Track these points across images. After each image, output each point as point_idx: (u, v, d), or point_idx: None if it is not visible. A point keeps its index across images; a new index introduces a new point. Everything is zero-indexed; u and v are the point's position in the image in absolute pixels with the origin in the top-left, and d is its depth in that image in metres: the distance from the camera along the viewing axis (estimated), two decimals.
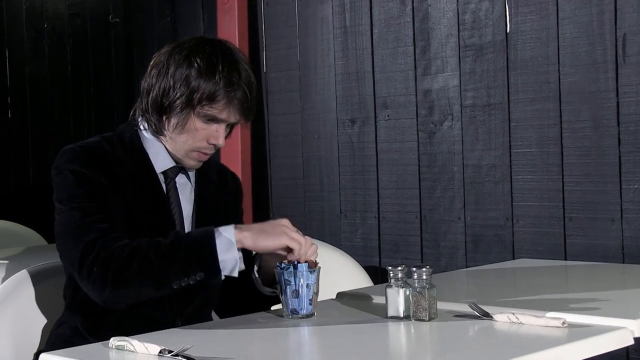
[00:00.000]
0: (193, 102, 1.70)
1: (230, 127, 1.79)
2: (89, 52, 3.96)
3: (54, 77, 4.11)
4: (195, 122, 1.72)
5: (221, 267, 1.61)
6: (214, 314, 1.93)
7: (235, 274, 1.64)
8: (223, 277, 1.64)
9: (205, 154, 1.77)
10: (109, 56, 3.87)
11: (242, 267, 1.65)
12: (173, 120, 1.73)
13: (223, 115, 1.72)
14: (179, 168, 1.82)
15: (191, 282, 1.62)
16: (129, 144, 1.78)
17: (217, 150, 1.82)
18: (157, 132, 1.77)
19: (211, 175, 1.87)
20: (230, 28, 3.29)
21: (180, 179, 1.82)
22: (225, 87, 1.69)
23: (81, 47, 4.00)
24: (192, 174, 1.85)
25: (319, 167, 3.15)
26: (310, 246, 1.66)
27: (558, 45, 2.57)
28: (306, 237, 1.67)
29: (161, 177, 1.80)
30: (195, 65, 1.69)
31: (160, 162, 1.79)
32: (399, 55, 2.93)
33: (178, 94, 1.70)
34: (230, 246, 1.61)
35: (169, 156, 1.79)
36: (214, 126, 1.73)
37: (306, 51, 3.18)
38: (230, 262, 1.62)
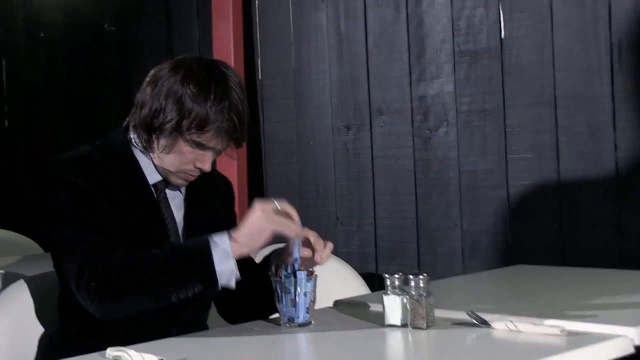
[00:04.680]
0: (182, 127, 1.70)
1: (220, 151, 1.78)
2: (84, 60, 3.96)
3: (49, 86, 4.10)
4: (183, 146, 1.72)
5: (218, 277, 1.61)
6: (213, 318, 1.93)
7: (232, 284, 1.63)
8: (220, 288, 1.64)
9: (192, 175, 1.78)
10: (104, 64, 3.87)
11: (239, 276, 1.64)
12: (161, 142, 1.73)
13: (211, 144, 1.73)
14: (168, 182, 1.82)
15: (189, 294, 1.62)
16: (120, 153, 1.78)
17: None
18: (146, 148, 1.77)
19: (201, 182, 1.86)
20: (225, 35, 3.28)
21: (170, 190, 1.82)
22: (215, 117, 1.69)
23: (76, 55, 3.99)
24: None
25: (314, 174, 3.14)
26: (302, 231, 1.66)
27: (553, 51, 2.57)
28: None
29: (152, 189, 1.79)
30: (188, 91, 1.69)
31: (150, 174, 1.79)
32: (393, 61, 2.93)
33: (168, 117, 1.70)
34: (226, 257, 1.61)
35: (157, 171, 1.79)
36: (202, 152, 1.74)
37: (301, 58, 3.18)
38: (226, 272, 1.61)
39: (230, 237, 1.62)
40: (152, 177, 1.79)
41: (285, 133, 3.22)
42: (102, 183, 1.72)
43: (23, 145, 4.20)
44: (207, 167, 1.75)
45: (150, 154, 1.78)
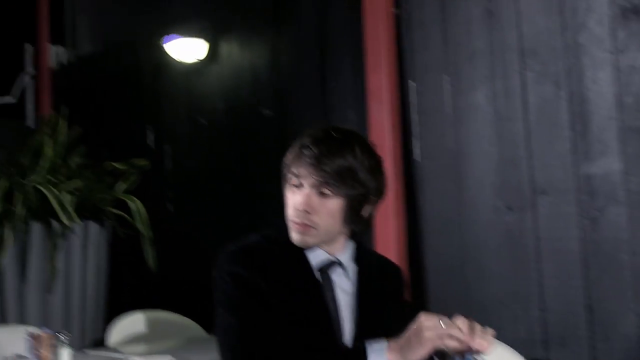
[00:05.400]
0: (284, 170, 1.78)
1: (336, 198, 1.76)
2: (244, 144, 4.07)
3: (211, 171, 4.24)
4: (287, 192, 1.77)
5: None
6: None
7: None
8: None
9: (296, 222, 1.76)
10: (263, 148, 3.97)
11: None
12: None
13: (299, 171, 1.74)
14: (335, 262, 1.81)
15: None
16: (286, 241, 1.79)
17: (372, 240, 1.80)
18: None
19: (371, 270, 1.85)
20: (381, 117, 3.30)
21: (337, 275, 1.81)
22: (300, 146, 1.77)
23: (236, 140, 4.11)
24: (350, 270, 1.84)
25: (476, 256, 3.06)
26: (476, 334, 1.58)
27: None
28: (459, 321, 1.59)
29: (318, 274, 1.79)
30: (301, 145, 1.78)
31: (315, 257, 1.79)
32: (556, 139, 2.85)
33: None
34: None
35: (319, 248, 1.79)
36: (296, 193, 1.75)
37: (459, 138, 3.15)
38: None
39: (389, 346, 1.59)
40: (317, 258, 1.79)
41: (445, 214, 3.17)
42: (269, 275, 1.73)
43: (187, 230, 4.33)
44: (297, 203, 1.74)
45: None
